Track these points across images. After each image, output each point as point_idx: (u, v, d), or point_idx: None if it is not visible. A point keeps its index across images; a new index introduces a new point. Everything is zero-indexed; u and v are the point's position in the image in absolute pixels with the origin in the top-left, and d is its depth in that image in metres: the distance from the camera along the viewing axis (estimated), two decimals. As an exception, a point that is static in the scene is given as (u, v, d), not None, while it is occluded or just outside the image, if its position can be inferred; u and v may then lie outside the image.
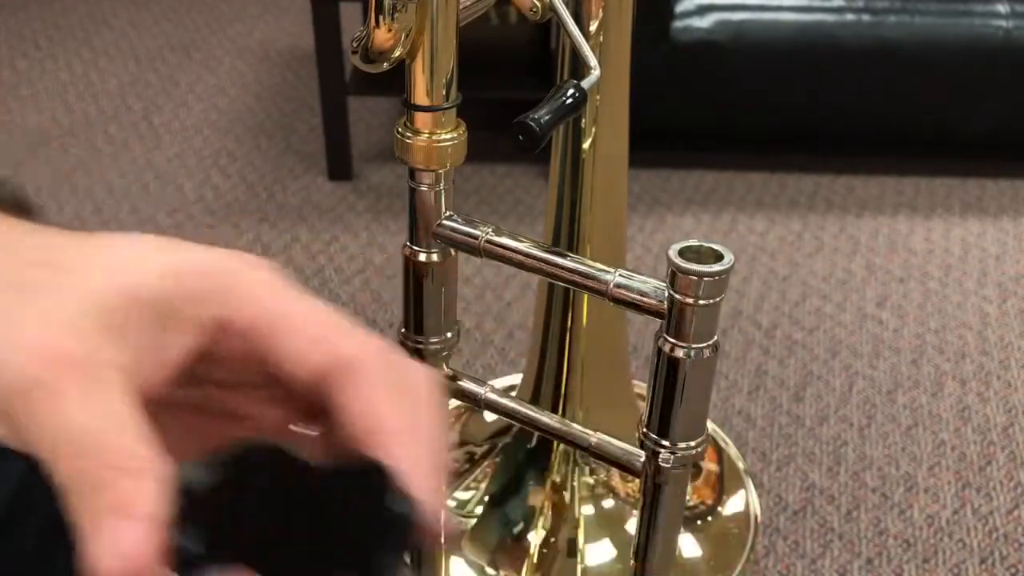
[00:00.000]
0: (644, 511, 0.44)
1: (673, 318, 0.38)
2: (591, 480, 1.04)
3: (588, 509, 1.03)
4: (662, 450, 0.41)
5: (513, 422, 0.49)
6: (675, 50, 1.70)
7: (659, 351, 0.39)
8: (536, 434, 1.04)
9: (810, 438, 1.25)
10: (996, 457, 1.23)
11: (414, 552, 0.39)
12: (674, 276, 0.38)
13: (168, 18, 2.52)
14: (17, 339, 0.26)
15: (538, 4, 0.59)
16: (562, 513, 1.03)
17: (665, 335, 0.39)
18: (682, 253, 0.38)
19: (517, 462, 1.06)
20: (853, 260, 1.61)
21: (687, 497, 1.07)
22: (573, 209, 0.90)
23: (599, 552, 1.02)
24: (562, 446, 1.04)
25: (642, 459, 0.43)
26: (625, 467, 0.45)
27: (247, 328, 0.29)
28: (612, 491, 1.04)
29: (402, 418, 0.29)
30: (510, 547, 1.02)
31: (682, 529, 1.03)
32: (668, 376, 0.40)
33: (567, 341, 0.98)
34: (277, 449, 0.28)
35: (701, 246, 0.38)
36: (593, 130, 0.86)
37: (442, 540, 0.28)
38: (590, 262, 0.42)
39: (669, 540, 0.45)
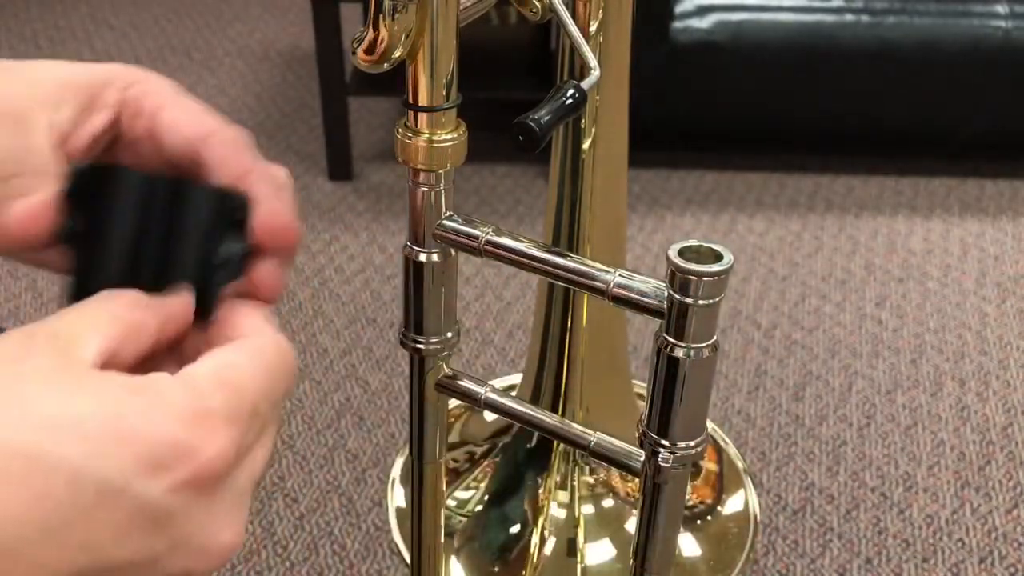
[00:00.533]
0: (644, 511, 0.44)
1: (673, 318, 0.38)
2: (591, 480, 1.04)
3: (588, 509, 1.03)
4: (662, 449, 0.41)
5: (513, 422, 0.49)
6: (675, 50, 1.70)
7: (659, 351, 0.40)
8: (536, 434, 1.05)
9: (809, 438, 1.25)
10: (995, 457, 1.23)
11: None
12: (673, 276, 0.38)
13: (168, 19, 2.53)
14: None
15: (538, 4, 0.59)
16: (562, 512, 1.03)
17: (665, 335, 0.39)
18: (682, 253, 0.38)
19: (517, 461, 1.06)
20: (852, 260, 1.61)
21: (687, 497, 1.07)
22: (573, 209, 0.90)
23: (599, 552, 1.02)
24: (562, 445, 1.04)
25: (642, 459, 0.43)
26: (625, 467, 0.45)
27: (148, 109, 0.40)
28: (612, 491, 1.04)
29: (256, 165, 0.39)
30: (510, 546, 1.02)
31: (682, 529, 1.03)
32: (668, 376, 0.40)
33: (567, 341, 0.98)
34: (139, 170, 0.38)
35: (701, 246, 0.38)
36: (593, 130, 0.86)
37: (286, 245, 0.39)
38: (590, 262, 0.42)
39: (669, 540, 0.45)
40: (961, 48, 1.70)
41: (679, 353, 0.39)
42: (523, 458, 1.06)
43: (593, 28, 0.79)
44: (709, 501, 1.11)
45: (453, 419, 1.18)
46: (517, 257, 0.43)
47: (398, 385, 1.32)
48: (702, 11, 1.72)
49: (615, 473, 1.06)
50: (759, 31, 1.72)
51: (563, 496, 1.03)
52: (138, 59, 2.29)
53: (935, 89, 1.75)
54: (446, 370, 0.50)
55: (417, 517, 0.52)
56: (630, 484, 1.05)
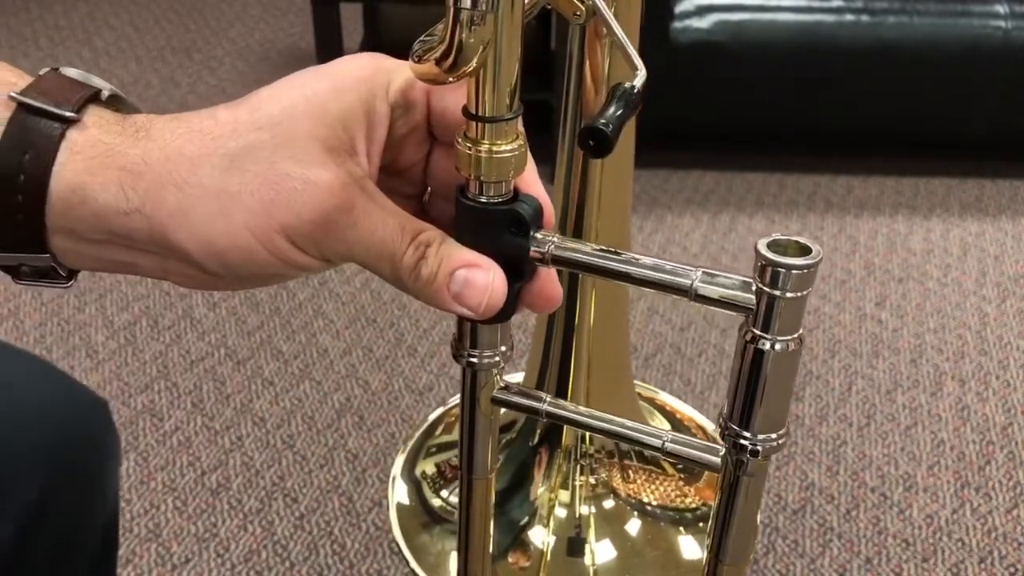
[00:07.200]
0: (722, 504, 0.44)
1: (761, 311, 0.38)
2: (592, 480, 1.04)
3: (590, 508, 1.03)
4: (745, 442, 0.41)
5: (571, 427, 0.48)
6: (675, 50, 1.70)
7: (745, 344, 0.39)
8: (538, 432, 1.05)
9: (809, 437, 1.25)
10: (995, 456, 1.23)
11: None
12: (764, 269, 0.38)
13: (169, 19, 2.53)
14: (304, 181, 0.37)
15: (582, 7, 0.59)
16: (564, 512, 1.03)
17: (752, 328, 0.39)
18: (769, 246, 0.38)
19: (520, 460, 1.06)
20: (852, 260, 1.61)
21: (687, 498, 1.07)
22: (580, 209, 0.90)
23: (601, 551, 1.02)
24: (564, 444, 1.04)
25: (720, 453, 0.43)
26: (703, 463, 0.44)
27: (420, 93, 0.40)
28: (613, 491, 1.05)
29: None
30: (512, 545, 1.02)
31: (682, 530, 1.04)
32: (752, 368, 0.40)
33: (570, 341, 0.98)
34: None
35: (789, 240, 0.38)
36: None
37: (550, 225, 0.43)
38: (668, 262, 0.42)
39: (747, 531, 0.45)
40: (961, 48, 1.70)
41: (765, 346, 0.39)
42: (526, 456, 1.07)
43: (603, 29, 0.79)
44: (711, 502, 1.11)
45: (453, 418, 1.18)
46: (589, 265, 0.42)
47: (398, 385, 1.32)
48: (702, 11, 1.72)
49: (616, 474, 1.06)
50: (759, 31, 1.72)
51: (565, 496, 1.04)
52: (138, 59, 2.29)
53: (935, 89, 1.75)
54: (500, 383, 0.48)
55: (465, 533, 0.51)
56: (631, 485, 1.05)
